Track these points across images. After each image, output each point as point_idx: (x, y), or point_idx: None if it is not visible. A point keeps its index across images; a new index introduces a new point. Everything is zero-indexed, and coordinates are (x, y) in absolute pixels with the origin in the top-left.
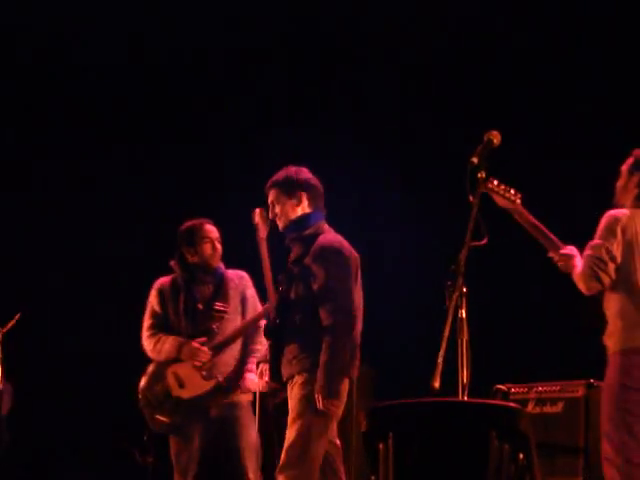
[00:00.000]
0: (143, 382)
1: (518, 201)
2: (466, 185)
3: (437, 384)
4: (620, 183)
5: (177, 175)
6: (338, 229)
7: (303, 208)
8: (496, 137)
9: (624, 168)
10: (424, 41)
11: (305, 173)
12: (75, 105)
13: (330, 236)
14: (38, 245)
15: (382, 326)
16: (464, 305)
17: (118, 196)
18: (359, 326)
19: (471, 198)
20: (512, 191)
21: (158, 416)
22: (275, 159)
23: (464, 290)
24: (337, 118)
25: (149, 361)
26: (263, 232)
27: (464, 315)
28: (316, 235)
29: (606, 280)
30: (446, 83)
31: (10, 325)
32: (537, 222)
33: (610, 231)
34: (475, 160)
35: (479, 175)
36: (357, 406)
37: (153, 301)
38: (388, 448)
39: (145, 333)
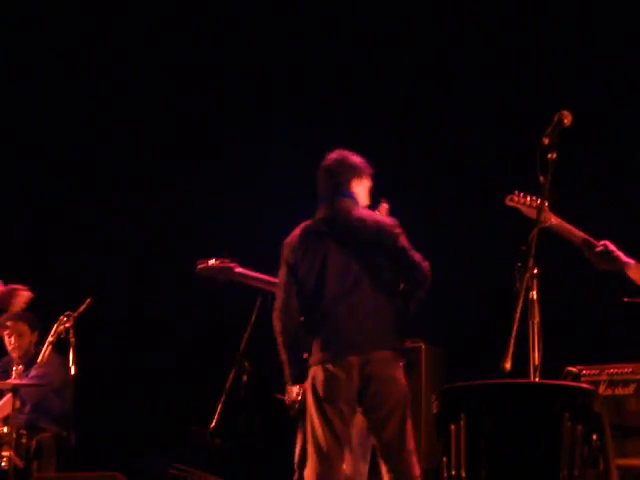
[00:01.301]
0: None
1: (546, 208)
2: (536, 166)
3: (508, 365)
4: None
5: None
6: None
7: None
8: (567, 117)
9: None
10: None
11: None
12: None
13: None
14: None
15: (453, 308)
16: (535, 286)
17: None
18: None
19: (541, 179)
20: (539, 199)
21: None
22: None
23: (535, 271)
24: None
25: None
26: None
27: (535, 297)
28: None
29: None
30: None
31: (81, 309)
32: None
33: None
34: (546, 140)
35: (549, 156)
36: (427, 388)
37: None
38: (460, 429)
39: None
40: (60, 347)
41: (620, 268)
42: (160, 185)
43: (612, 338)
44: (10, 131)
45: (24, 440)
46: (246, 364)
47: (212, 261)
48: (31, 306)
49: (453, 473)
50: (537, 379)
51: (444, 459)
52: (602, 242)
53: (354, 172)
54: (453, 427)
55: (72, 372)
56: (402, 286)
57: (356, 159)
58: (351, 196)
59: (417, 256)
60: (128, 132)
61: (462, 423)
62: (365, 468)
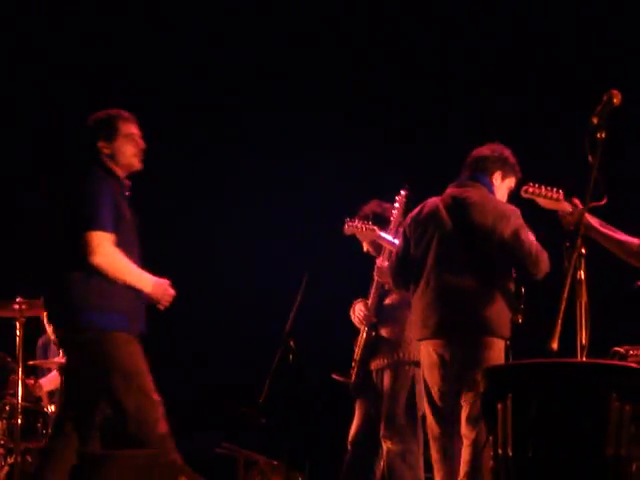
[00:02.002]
0: None
1: (561, 198)
2: (586, 145)
3: (555, 345)
4: None
5: None
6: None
7: None
8: (616, 96)
9: None
10: None
11: None
12: None
13: None
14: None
15: None
16: (583, 266)
17: None
18: None
19: (590, 158)
20: (554, 189)
21: None
22: None
23: (583, 251)
24: None
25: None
26: None
27: (583, 276)
28: None
29: None
30: None
31: None
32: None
33: None
34: (595, 120)
35: (599, 135)
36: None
37: None
38: (506, 408)
39: None
40: None
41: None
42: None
43: None
44: None
45: None
46: (291, 343)
47: (357, 222)
48: None
49: (500, 452)
50: (584, 359)
51: (490, 438)
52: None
53: (502, 166)
54: (500, 406)
55: None
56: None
57: (511, 156)
58: (487, 184)
59: (535, 246)
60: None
61: (509, 402)
62: None
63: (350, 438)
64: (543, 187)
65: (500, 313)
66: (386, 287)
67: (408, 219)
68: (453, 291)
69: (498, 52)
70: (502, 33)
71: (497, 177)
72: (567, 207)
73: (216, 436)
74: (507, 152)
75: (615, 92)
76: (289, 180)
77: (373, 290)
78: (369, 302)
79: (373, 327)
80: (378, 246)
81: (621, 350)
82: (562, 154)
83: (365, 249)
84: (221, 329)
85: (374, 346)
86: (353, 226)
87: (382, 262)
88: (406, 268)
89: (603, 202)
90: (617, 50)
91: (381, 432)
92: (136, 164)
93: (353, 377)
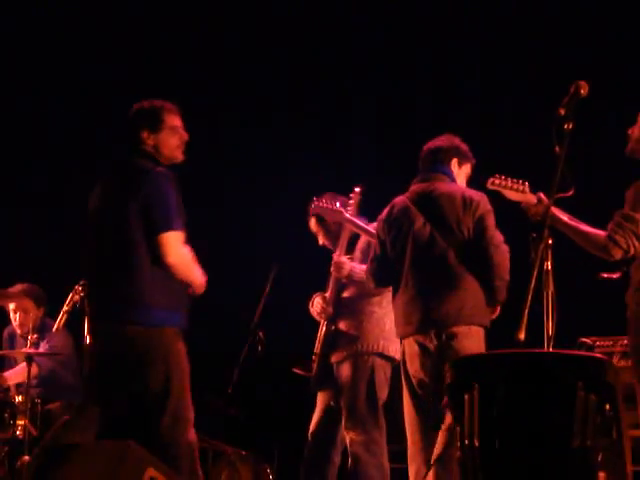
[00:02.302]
0: None
1: (527, 190)
2: (553, 137)
3: (522, 336)
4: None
5: None
6: None
7: None
8: (583, 88)
9: None
10: None
11: None
12: None
13: None
14: None
15: None
16: (550, 257)
17: None
18: None
19: (557, 149)
20: (520, 181)
21: None
22: None
23: (550, 242)
24: None
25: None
26: None
27: (550, 267)
28: None
29: None
30: None
31: None
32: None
33: None
34: (562, 111)
35: (566, 126)
36: None
37: None
38: (473, 399)
39: None
40: (75, 317)
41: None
42: None
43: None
44: None
45: (38, 409)
46: (260, 334)
47: (324, 202)
48: (46, 276)
49: (466, 442)
50: (551, 349)
51: (457, 428)
52: None
53: (457, 154)
54: (467, 397)
55: (87, 341)
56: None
57: (462, 144)
58: (448, 173)
59: (497, 237)
60: None
61: (475, 393)
62: None
63: (310, 429)
64: (509, 179)
65: (479, 302)
66: (343, 280)
67: (379, 222)
68: (432, 285)
69: (463, 42)
70: (468, 24)
71: (454, 165)
72: (532, 199)
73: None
74: (457, 140)
75: (582, 83)
76: (262, 168)
77: (331, 284)
78: (327, 296)
79: (332, 321)
80: (334, 239)
81: (588, 341)
82: (529, 146)
83: (321, 242)
84: (189, 320)
85: (334, 339)
86: (320, 206)
87: (338, 256)
88: (385, 270)
89: (570, 193)
90: (584, 41)
91: (344, 423)
92: (179, 156)
93: (314, 370)
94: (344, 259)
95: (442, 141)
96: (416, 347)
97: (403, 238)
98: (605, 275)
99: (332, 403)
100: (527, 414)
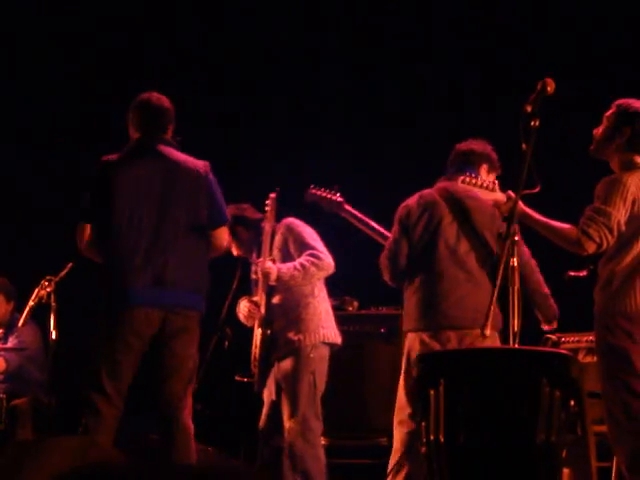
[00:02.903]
0: None
1: (496, 188)
2: (520, 133)
3: (488, 332)
4: (603, 132)
5: None
6: None
7: None
8: (550, 85)
9: (609, 115)
10: None
11: None
12: None
13: None
14: None
15: None
16: (516, 253)
17: None
18: None
19: (524, 146)
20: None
21: None
22: None
23: (516, 238)
24: None
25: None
26: None
27: (515, 263)
28: None
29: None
30: None
31: (63, 274)
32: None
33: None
34: (529, 108)
35: (532, 123)
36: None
37: None
38: (439, 395)
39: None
40: (41, 312)
41: None
42: None
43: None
44: None
45: (4, 404)
46: (228, 330)
47: (323, 190)
48: (12, 271)
49: (432, 438)
50: (516, 345)
51: (423, 424)
52: None
53: (488, 160)
54: (432, 392)
55: (53, 337)
56: None
57: (493, 152)
58: (476, 176)
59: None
60: None
61: (441, 389)
62: None
63: (260, 426)
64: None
65: (497, 308)
66: (271, 283)
67: (404, 208)
68: (452, 286)
69: (431, 38)
70: (440, 19)
71: (484, 171)
72: (502, 197)
73: (151, 421)
74: (490, 147)
75: (549, 80)
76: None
77: (260, 289)
78: (257, 299)
79: (267, 324)
80: (248, 248)
81: (553, 337)
82: (496, 143)
83: (235, 253)
84: None
85: (272, 342)
86: (316, 194)
87: (263, 262)
88: (404, 255)
89: (537, 190)
90: (551, 38)
91: (283, 412)
92: None
93: (255, 376)
94: (269, 264)
95: (476, 145)
96: (422, 344)
97: (432, 231)
98: (572, 273)
99: (274, 397)
100: (492, 410)
